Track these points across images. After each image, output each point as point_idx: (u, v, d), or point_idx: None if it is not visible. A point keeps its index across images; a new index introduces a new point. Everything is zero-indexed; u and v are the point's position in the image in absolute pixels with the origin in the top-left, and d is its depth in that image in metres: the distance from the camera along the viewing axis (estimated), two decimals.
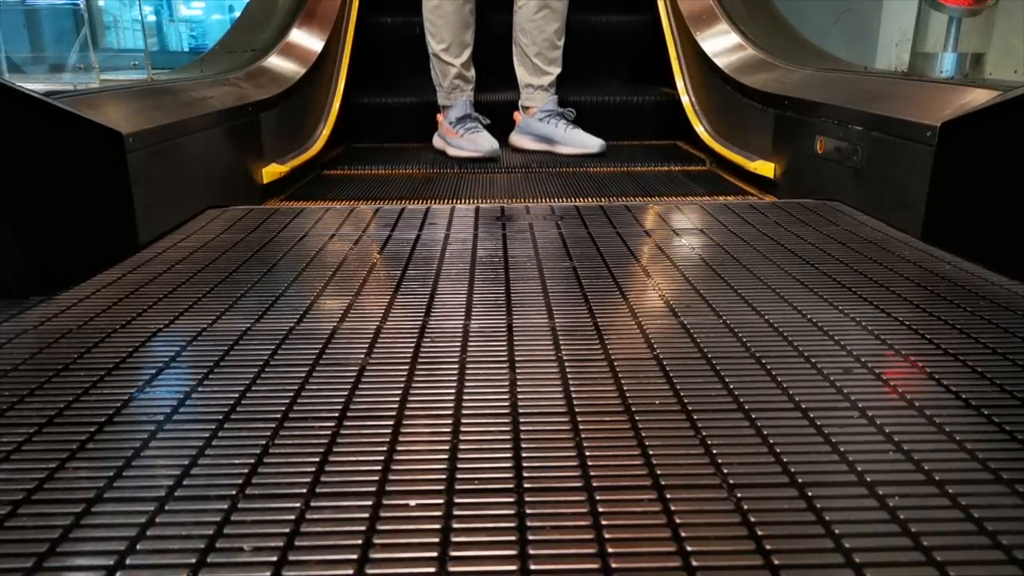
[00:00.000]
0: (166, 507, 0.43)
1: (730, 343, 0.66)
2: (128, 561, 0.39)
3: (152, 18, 7.03)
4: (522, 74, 2.01)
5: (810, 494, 0.44)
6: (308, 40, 1.93)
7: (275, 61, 1.77)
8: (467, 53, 1.96)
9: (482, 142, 1.85)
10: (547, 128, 1.93)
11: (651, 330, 0.70)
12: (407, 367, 0.62)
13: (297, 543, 0.40)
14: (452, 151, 1.90)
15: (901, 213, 1.08)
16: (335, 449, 0.49)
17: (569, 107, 1.99)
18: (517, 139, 2.02)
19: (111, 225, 0.98)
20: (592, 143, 1.90)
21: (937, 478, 0.46)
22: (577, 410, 0.54)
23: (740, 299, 0.78)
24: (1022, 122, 0.89)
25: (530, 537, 0.40)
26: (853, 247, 0.97)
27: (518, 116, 2.03)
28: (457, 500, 0.44)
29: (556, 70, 1.98)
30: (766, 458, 0.48)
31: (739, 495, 0.44)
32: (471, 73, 1.98)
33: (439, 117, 1.99)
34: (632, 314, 0.74)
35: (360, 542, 0.40)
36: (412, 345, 0.67)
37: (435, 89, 2.04)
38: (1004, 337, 0.68)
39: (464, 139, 1.86)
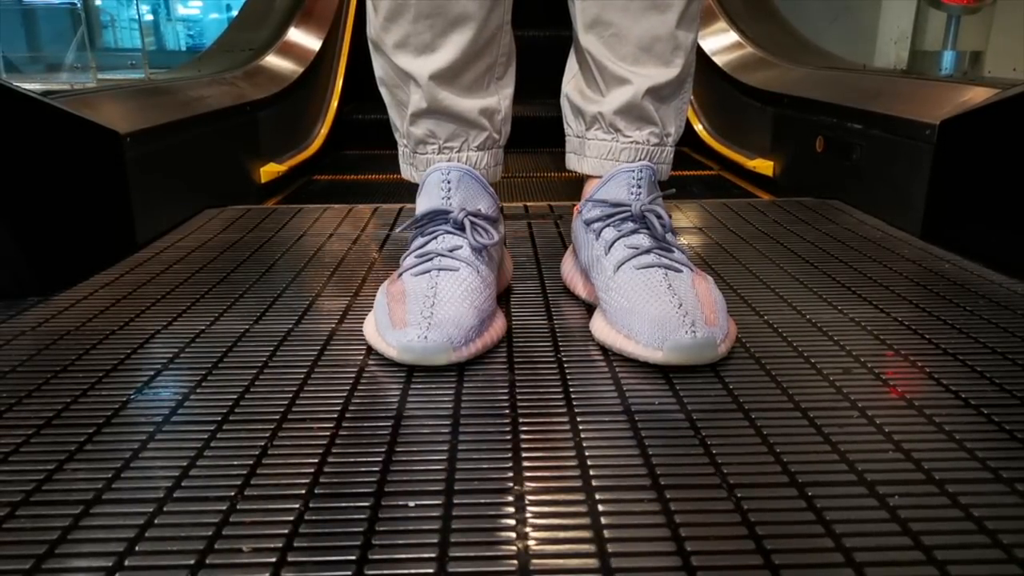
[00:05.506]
0: (165, 508, 0.43)
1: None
2: (127, 563, 0.39)
3: (150, 17, 7.03)
4: (577, 89, 0.77)
5: (810, 494, 0.44)
6: (306, 39, 1.93)
7: (273, 60, 1.77)
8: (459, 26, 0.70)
9: (411, 330, 0.59)
10: (590, 250, 0.71)
11: None
12: (406, 368, 0.62)
13: (296, 544, 0.40)
14: (376, 341, 0.64)
15: (900, 211, 1.08)
16: (334, 450, 0.49)
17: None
18: (571, 275, 0.80)
19: (109, 225, 0.97)
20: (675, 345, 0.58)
21: (937, 477, 0.46)
22: (576, 410, 0.54)
23: (739, 298, 0.78)
24: (1020, 120, 0.89)
25: (530, 537, 0.40)
26: (852, 246, 0.97)
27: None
28: (456, 501, 0.44)
29: (663, 72, 0.71)
30: (766, 458, 0.48)
31: (739, 495, 0.44)
32: (497, 98, 0.76)
33: None
34: None
35: (359, 543, 0.40)
36: None
37: None
38: (1003, 336, 0.68)
39: (399, 298, 0.64)
